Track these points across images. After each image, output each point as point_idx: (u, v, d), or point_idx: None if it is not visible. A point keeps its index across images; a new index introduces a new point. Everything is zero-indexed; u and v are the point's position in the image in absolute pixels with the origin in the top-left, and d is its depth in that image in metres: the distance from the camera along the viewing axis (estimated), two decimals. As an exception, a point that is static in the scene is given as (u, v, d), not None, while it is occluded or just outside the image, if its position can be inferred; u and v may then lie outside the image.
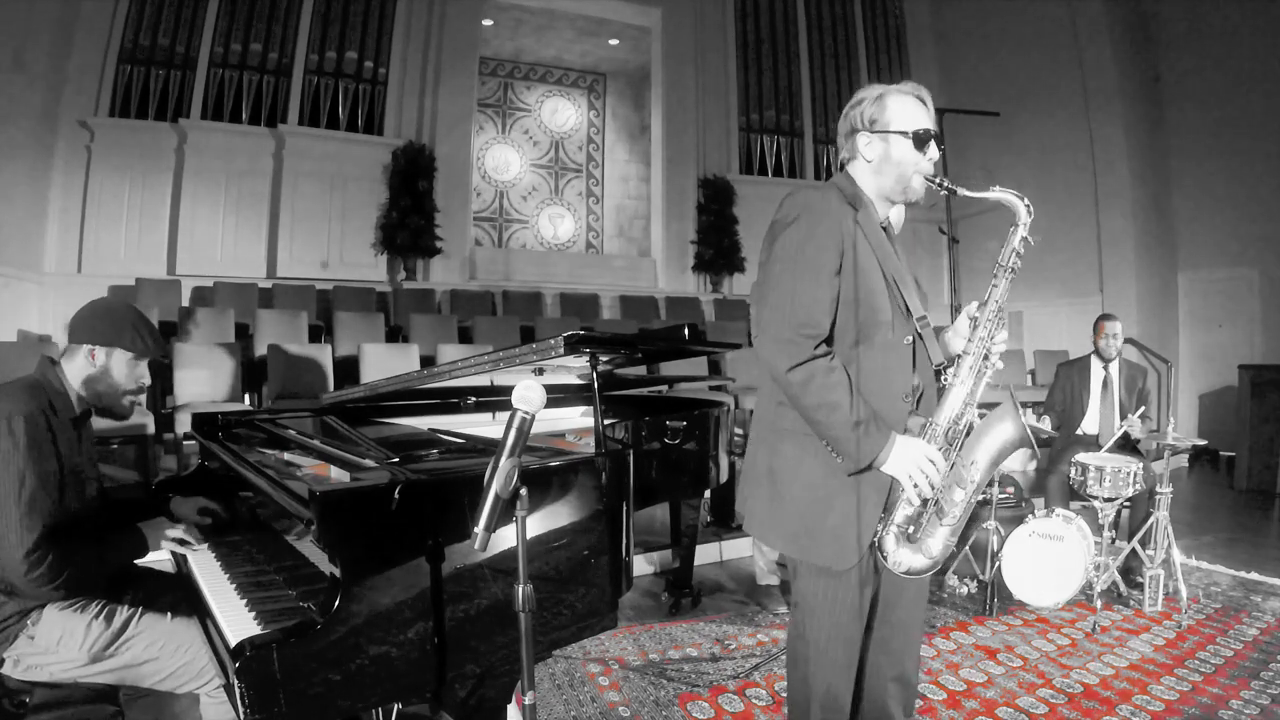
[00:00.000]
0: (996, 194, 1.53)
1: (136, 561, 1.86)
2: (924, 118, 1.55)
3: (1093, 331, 3.94)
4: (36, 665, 1.54)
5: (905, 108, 1.54)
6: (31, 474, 1.50)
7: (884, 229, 1.60)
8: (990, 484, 3.44)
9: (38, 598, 1.55)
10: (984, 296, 1.54)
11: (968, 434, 1.50)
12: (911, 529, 1.50)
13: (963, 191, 1.55)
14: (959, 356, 1.54)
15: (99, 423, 1.83)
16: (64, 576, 1.53)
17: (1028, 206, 1.52)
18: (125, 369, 1.72)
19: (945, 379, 1.54)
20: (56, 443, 1.59)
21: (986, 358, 1.52)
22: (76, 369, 1.69)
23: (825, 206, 1.49)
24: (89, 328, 1.69)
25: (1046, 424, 3.84)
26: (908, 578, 1.52)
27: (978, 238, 7.80)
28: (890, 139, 1.53)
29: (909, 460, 1.44)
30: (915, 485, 1.45)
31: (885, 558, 1.50)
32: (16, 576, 1.49)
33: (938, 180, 1.56)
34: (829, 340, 1.48)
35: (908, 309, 1.55)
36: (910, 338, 1.54)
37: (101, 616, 1.58)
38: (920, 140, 1.53)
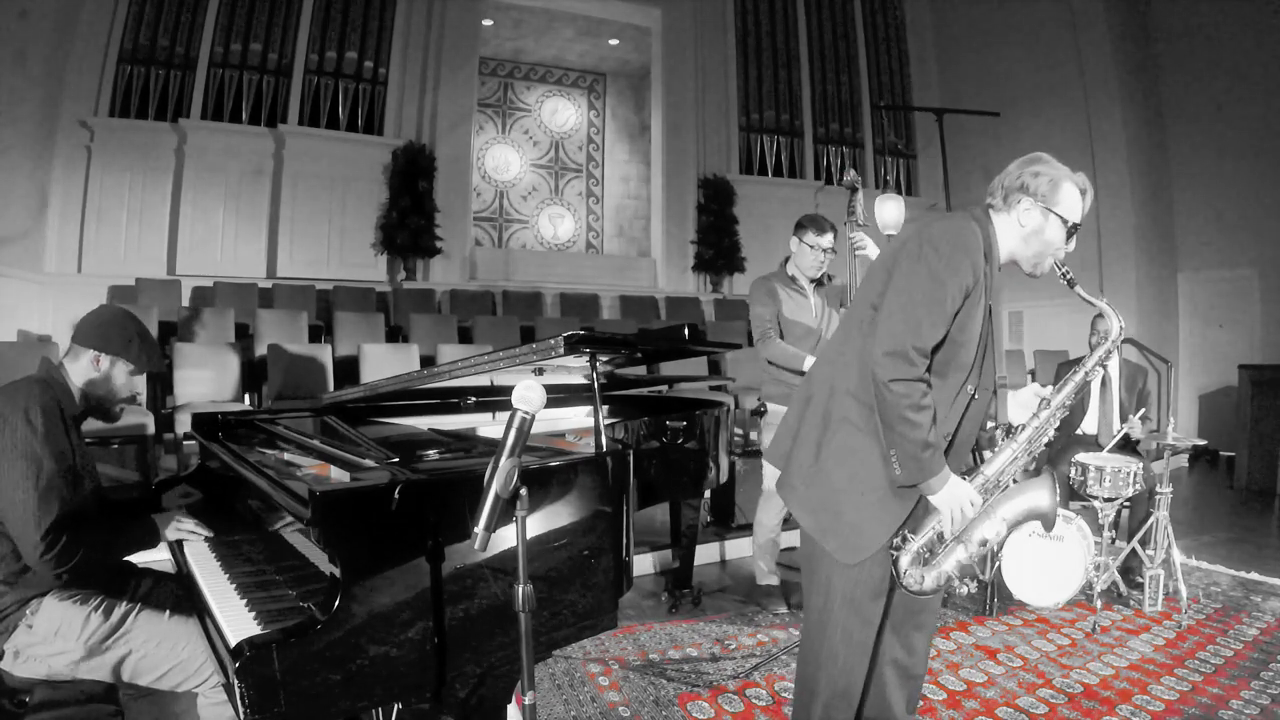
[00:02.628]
0: (1103, 305, 1.70)
1: (137, 561, 1.87)
2: (1080, 213, 1.66)
3: (1090, 329, 3.94)
4: (34, 657, 1.56)
5: (1073, 199, 1.64)
6: (49, 461, 1.56)
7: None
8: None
9: (47, 582, 1.58)
10: (1060, 384, 1.70)
11: (1003, 489, 1.65)
12: (928, 554, 1.63)
13: (1079, 291, 1.69)
14: (1021, 427, 1.68)
15: (97, 423, 1.86)
16: (77, 557, 1.57)
17: (1121, 326, 1.70)
18: (124, 379, 1.80)
19: (999, 438, 1.69)
20: (69, 435, 1.65)
21: (1044, 435, 1.68)
22: (79, 370, 1.75)
23: (975, 249, 1.57)
24: (98, 334, 1.75)
25: None
26: (914, 596, 1.65)
27: (978, 238, 7.79)
28: (1050, 218, 1.63)
29: (956, 499, 1.57)
30: (953, 521, 1.59)
31: (900, 573, 1.62)
32: (32, 558, 1.53)
33: (1064, 269, 1.69)
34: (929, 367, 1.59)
35: (991, 368, 1.66)
36: (974, 389, 1.64)
37: (100, 610, 1.60)
38: (1070, 233, 1.65)
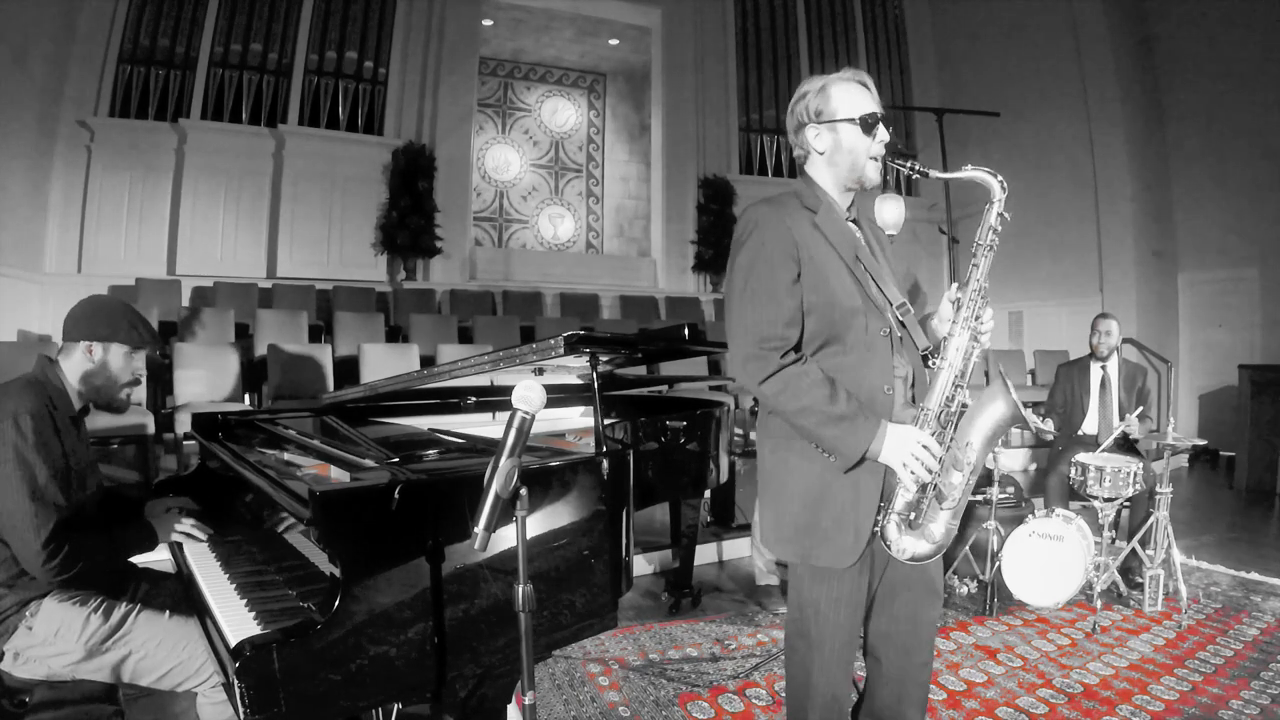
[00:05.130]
0: (969, 173, 1.53)
1: (137, 562, 1.87)
2: (869, 102, 1.55)
3: (1090, 330, 3.94)
4: (34, 658, 1.56)
5: (849, 95, 1.54)
6: (42, 468, 1.54)
7: (854, 222, 1.60)
8: (990, 484, 3.44)
9: (49, 587, 1.57)
10: (964, 277, 1.53)
11: (961, 416, 1.49)
12: (913, 515, 1.49)
13: (934, 173, 1.56)
14: (945, 339, 1.52)
15: (100, 422, 1.85)
16: (79, 565, 1.56)
17: (1001, 183, 1.51)
18: (122, 362, 1.76)
19: (933, 364, 1.53)
20: (61, 438, 1.63)
21: (974, 338, 1.51)
22: (74, 365, 1.72)
23: (775, 218, 1.50)
24: (85, 325, 1.72)
25: (1049, 425, 3.83)
26: (913, 564, 1.51)
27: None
28: (838, 128, 1.53)
29: (901, 447, 1.44)
30: (911, 472, 1.44)
31: (889, 546, 1.50)
32: (34, 567, 1.53)
33: (908, 164, 1.56)
34: (798, 347, 1.49)
35: (885, 300, 1.54)
36: (887, 330, 1.53)
37: (100, 611, 1.59)
38: (868, 125, 1.52)
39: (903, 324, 1.56)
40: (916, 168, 1.56)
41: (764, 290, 1.47)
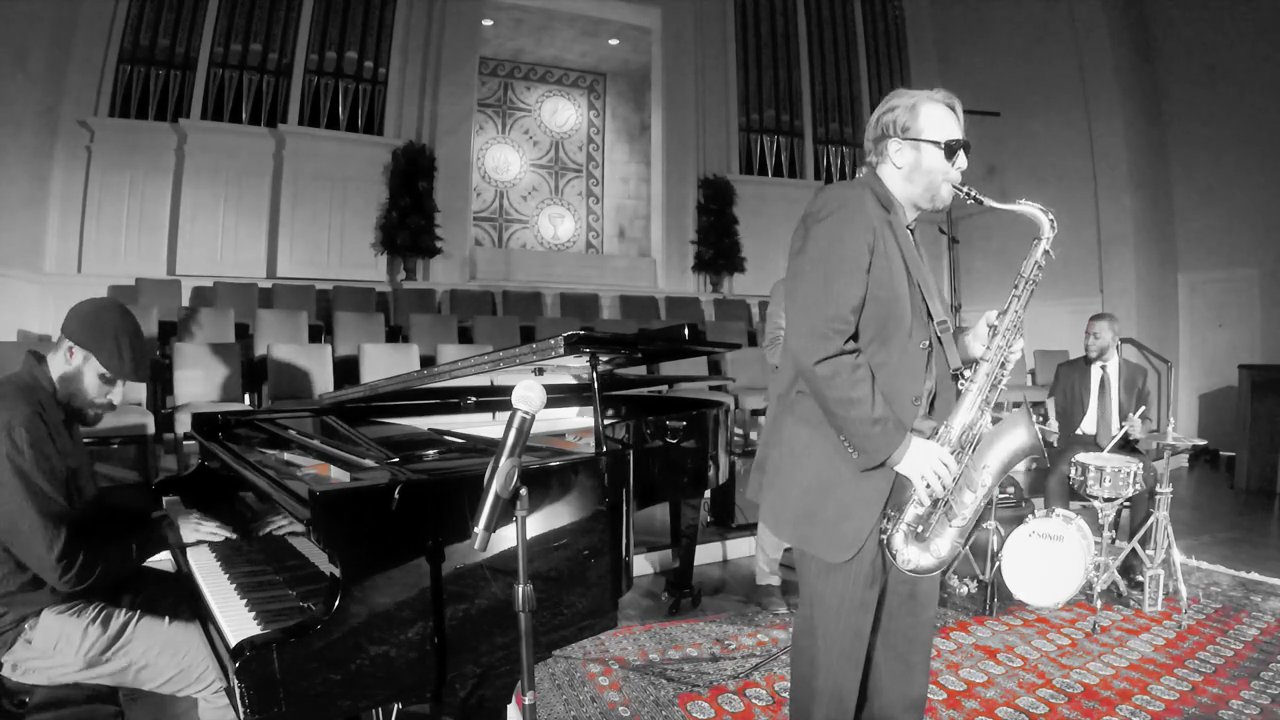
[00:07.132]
0: (1022, 207, 1.56)
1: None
2: (955, 127, 1.57)
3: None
4: (34, 669, 1.55)
5: (937, 117, 1.56)
6: (41, 480, 1.51)
7: (910, 231, 1.63)
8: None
9: (45, 598, 1.56)
10: (1004, 306, 1.57)
11: (980, 439, 1.52)
12: (921, 528, 1.51)
13: (989, 202, 1.57)
14: (977, 362, 1.55)
15: (100, 422, 1.83)
16: (96, 573, 1.54)
17: (1051, 221, 1.55)
18: (94, 381, 1.68)
19: (962, 383, 1.56)
20: (55, 443, 1.59)
21: (1003, 365, 1.54)
22: (57, 363, 1.67)
23: (859, 203, 1.52)
24: (76, 324, 1.66)
25: (1053, 425, 3.84)
26: (915, 575, 1.53)
27: (977, 238, 7.80)
28: (922, 147, 1.55)
29: (923, 462, 1.46)
30: (928, 486, 1.47)
31: (894, 555, 1.51)
32: (52, 579, 1.51)
33: (965, 189, 1.58)
34: (855, 336, 1.50)
35: (929, 313, 1.57)
36: (927, 342, 1.55)
37: (99, 621, 1.57)
38: (950, 150, 1.55)
39: (939, 340, 1.59)
40: (972, 194, 1.57)
41: (843, 268, 1.47)
